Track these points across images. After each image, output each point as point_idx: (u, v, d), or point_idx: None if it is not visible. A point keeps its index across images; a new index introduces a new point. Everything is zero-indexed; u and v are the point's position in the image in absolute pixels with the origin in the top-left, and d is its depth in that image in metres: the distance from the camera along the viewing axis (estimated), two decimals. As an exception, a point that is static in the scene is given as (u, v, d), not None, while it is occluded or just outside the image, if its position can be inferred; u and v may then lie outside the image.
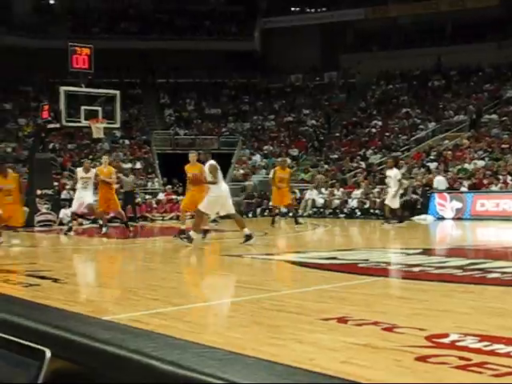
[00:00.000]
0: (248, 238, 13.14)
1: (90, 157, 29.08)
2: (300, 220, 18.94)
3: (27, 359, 0.91)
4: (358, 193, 24.00)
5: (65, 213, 20.93)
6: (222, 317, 5.94)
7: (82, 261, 12.06)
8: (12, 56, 33.89)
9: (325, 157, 30.37)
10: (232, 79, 38.58)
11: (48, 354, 0.90)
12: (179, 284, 8.12)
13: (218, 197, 12.85)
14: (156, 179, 28.23)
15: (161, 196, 25.20)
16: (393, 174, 18.39)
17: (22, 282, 8.53)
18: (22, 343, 0.93)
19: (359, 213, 23.06)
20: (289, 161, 29.68)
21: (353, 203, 23.58)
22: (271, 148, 31.65)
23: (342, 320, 5.57)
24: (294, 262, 10.08)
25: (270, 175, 20.25)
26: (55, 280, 8.99)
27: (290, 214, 20.11)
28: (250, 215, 24.62)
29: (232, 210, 13.24)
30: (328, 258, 10.52)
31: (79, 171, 15.85)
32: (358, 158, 28.44)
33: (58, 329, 1.24)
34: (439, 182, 22.51)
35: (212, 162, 13.35)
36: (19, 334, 1.05)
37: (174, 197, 25.06)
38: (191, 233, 12.99)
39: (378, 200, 22.35)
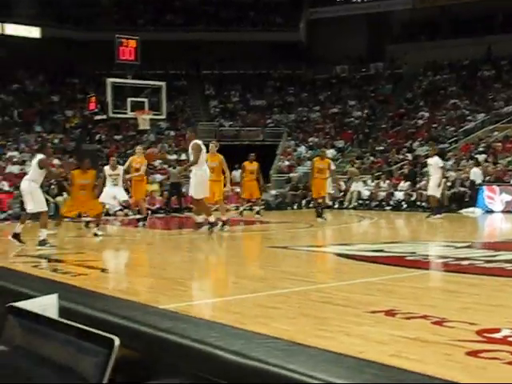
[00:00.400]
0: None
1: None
2: (324, 216, 18.15)
3: (96, 347, 0.91)
4: (404, 185, 23.74)
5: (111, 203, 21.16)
6: (269, 308, 5.92)
7: (129, 251, 12.19)
8: (59, 48, 34.41)
9: (371, 148, 30.11)
10: (277, 70, 38.46)
11: (117, 342, 0.90)
12: (225, 275, 8.14)
13: (203, 179, 12.81)
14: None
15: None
16: (433, 162, 17.97)
17: (70, 271, 8.65)
18: (92, 331, 0.93)
19: (405, 205, 22.80)
20: (333, 152, 29.56)
21: (399, 195, 23.33)
22: (316, 139, 31.49)
23: (390, 313, 5.51)
24: (340, 254, 10.02)
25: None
26: (102, 270, 9.12)
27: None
28: (295, 207, 24.55)
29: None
30: (374, 251, 10.43)
31: (106, 169, 15.75)
32: (405, 149, 28.10)
33: (120, 318, 1.25)
34: (475, 174, 22.08)
35: (197, 141, 13.25)
36: (81, 322, 1.05)
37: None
38: (198, 218, 13.02)
39: (424, 192, 22.06)
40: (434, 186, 17.99)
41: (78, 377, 0.93)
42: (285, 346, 1.01)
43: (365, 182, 24.91)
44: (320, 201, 18.57)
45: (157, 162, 27.71)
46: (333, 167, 19.82)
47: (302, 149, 30.64)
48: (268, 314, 5.67)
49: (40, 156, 11.99)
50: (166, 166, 27.55)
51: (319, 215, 17.84)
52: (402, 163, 26.58)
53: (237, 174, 26.02)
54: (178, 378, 1.10)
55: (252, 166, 19.42)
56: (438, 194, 18.21)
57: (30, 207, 11.88)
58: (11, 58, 34.46)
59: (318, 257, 10.41)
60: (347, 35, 37.21)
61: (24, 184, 11.89)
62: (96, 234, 13.62)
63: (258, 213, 19.79)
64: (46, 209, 12.04)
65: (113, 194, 16.16)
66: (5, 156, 25.27)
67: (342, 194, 24.98)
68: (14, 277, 1.88)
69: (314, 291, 6.74)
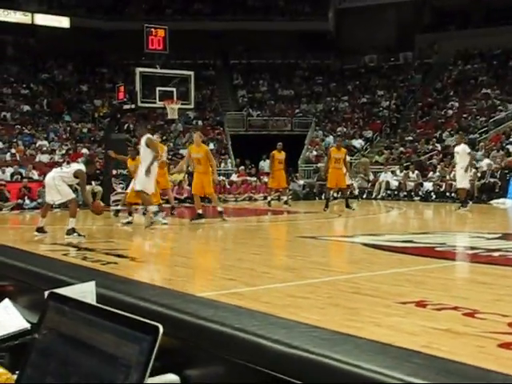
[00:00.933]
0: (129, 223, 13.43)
1: (164, 137, 29.54)
2: (353, 206, 18.02)
3: (140, 334, 0.90)
4: (433, 176, 23.53)
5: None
6: (298, 298, 5.92)
7: (158, 240, 12.26)
8: (88, 38, 34.63)
9: (399, 139, 29.89)
10: (305, 60, 38.30)
11: (161, 329, 0.89)
12: (255, 265, 8.14)
13: (151, 174, 12.69)
14: (229, 160, 28.38)
15: (234, 177, 25.35)
16: (460, 150, 17.26)
17: (100, 259, 8.72)
18: (136, 318, 0.93)
19: (434, 196, 22.61)
20: (361, 142, 29.40)
21: (428, 186, 23.13)
22: (344, 129, 31.33)
23: (421, 304, 5.48)
24: (368, 245, 9.97)
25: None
26: (132, 258, 9.18)
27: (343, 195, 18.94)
28: (323, 197, 24.46)
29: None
30: (403, 241, 10.37)
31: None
32: (434, 140, 27.84)
33: (159, 305, 1.24)
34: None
35: (148, 135, 13.17)
36: (120, 309, 1.05)
37: (247, 178, 25.17)
38: (150, 207, 12.87)
39: (454, 183, 21.85)
40: (461, 178, 17.43)
41: (121, 364, 0.92)
42: (328, 336, 0.99)
43: (393, 172, 24.74)
44: (331, 192, 18.51)
45: (185, 151, 27.78)
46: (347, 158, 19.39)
47: (330, 139, 30.50)
48: (297, 304, 5.67)
49: (81, 167, 12.02)
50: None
51: (347, 205, 17.57)
52: (432, 153, 26.34)
53: (265, 164, 26.04)
54: (217, 366, 1.09)
55: (280, 155, 19.38)
56: (466, 185, 17.71)
57: (58, 198, 11.97)
58: (41, 47, 34.80)
59: (347, 247, 10.37)
60: (376, 24, 36.90)
61: (49, 178, 11.95)
62: (128, 223, 13.67)
63: (286, 203, 19.78)
64: (74, 196, 12.10)
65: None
66: (34, 145, 25.52)
67: (370, 184, 24.85)
68: (50, 264, 1.89)
69: (343, 281, 6.73)
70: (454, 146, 18.89)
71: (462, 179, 17.46)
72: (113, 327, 0.96)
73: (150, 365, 0.88)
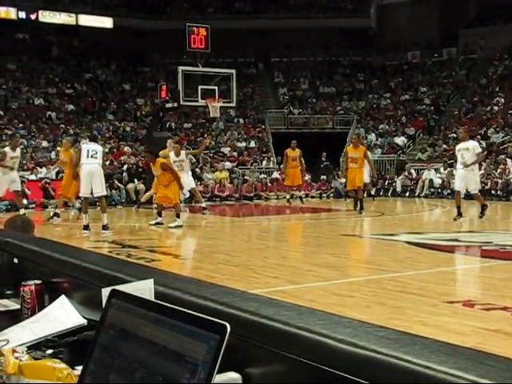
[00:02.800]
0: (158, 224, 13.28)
1: (206, 136, 29.68)
2: (363, 211, 15.85)
3: (207, 332, 0.90)
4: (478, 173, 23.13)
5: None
6: (343, 296, 5.89)
7: (200, 238, 12.32)
8: (130, 37, 34.97)
9: (443, 136, 29.50)
10: (347, 57, 38.05)
11: (229, 328, 0.89)
12: (298, 263, 8.13)
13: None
14: (271, 158, 28.37)
15: (275, 175, 25.33)
16: (471, 146, 14.14)
17: (144, 257, 8.81)
18: (202, 316, 0.93)
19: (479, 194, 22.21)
20: (404, 139, 29.07)
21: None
22: (387, 127, 31.03)
23: (468, 304, 5.41)
24: (413, 243, 9.87)
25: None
26: (176, 256, 9.26)
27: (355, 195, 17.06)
28: (365, 195, 24.27)
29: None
30: (448, 240, 10.23)
31: (171, 155, 15.63)
32: (479, 137, 27.38)
33: (219, 303, 1.24)
34: None
35: (162, 160, 13.27)
36: (181, 307, 1.05)
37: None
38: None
39: (499, 181, 21.49)
40: (472, 182, 14.18)
41: (188, 362, 0.92)
42: (395, 336, 0.98)
43: (437, 169, 24.43)
44: (355, 193, 16.77)
45: (226, 150, 27.91)
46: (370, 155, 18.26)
47: (372, 136, 30.26)
48: (342, 303, 5.64)
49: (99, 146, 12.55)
50: (235, 154, 27.72)
51: (361, 208, 15.88)
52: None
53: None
54: (280, 365, 1.09)
55: (294, 153, 19.24)
56: (477, 189, 14.62)
57: (99, 190, 12.22)
58: (84, 47, 35.29)
59: (390, 245, 10.28)
60: (419, 20, 36.47)
61: (95, 167, 12.17)
62: (157, 223, 13.56)
63: (301, 200, 19.77)
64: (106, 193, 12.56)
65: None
66: (78, 144, 25.87)
67: (413, 182, 24.59)
68: (104, 261, 1.91)
69: (388, 280, 6.67)
70: (458, 142, 15.72)
71: (474, 183, 14.34)
72: (179, 325, 0.96)
73: (218, 363, 0.88)
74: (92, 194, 12.40)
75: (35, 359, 1.45)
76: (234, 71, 20.87)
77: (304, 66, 37.42)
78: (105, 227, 12.13)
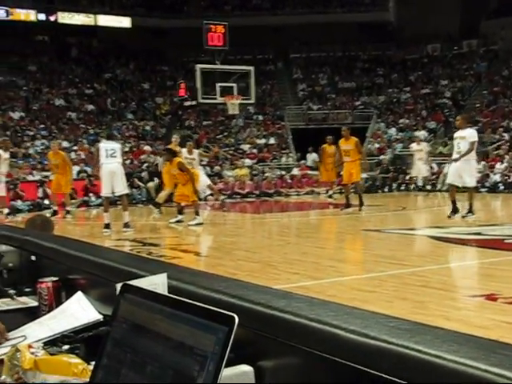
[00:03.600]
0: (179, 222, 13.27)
1: (225, 133, 29.71)
2: (363, 207, 15.18)
3: (216, 324, 0.90)
4: (501, 166, 22.93)
5: (201, 188, 21.49)
6: (364, 291, 5.86)
7: (221, 235, 12.33)
8: (148, 37, 35.08)
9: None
10: (366, 52, 37.86)
11: (237, 319, 0.88)
12: (319, 258, 8.10)
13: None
14: (290, 154, 28.34)
15: (295, 171, 25.29)
16: (467, 135, 12.78)
17: (164, 254, 8.84)
18: (211, 308, 0.92)
19: (502, 187, 22.03)
20: (425, 133, 28.85)
21: (495, 177, 22.56)
22: (407, 121, 30.83)
23: (491, 297, 5.35)
24: (435, 237, 9.80)
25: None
26: (196, 253, 9.28)
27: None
28: (386, 190, 24.17)
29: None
30: (471, 234, 10.15)
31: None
32: (501, 129, 27.12)
33: (231, 296, 1.23)
34: None
35: (179, 160, 13.33)
36: (195, 301, 1.05)
37: (308, 172, 25.08)
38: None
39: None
40: (469, 174, 12.68)
41: (197, 354, 0.92)
42: (408, 326, 0.97)
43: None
44: (352, 187, 16.20)
45: (246, 147, 27.90)
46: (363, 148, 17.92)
47: (393, 131, 30.10)
48: (364, 298, 5.62)
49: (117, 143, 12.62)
50: (255, 151, 27.71)
51: (360, 204, 15.14)
52: (499, 143, 25.69)
53: (311, 156, 25.96)
54: (292, 357, 1.08)
55: (331, 148, 19.13)
56: (473, 183, 13.01)
57: (120, 189, 12.27)
58: (103, 47, 35.47)
59: (412, 240, 10.22)
60: (438, 12, 36.14)
61: (116, 166, 12.20)
62: (178, 221, 13.54)
63: (330, 196, 19.70)
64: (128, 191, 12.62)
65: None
66: (98, 144, 26.04)
67: (434, 176, 24.40)
68: (120, 257, 1.91)
69: (409, 274, 6.63)
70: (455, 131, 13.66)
71: (469, 175, 12.73)
72: (188, 317, 0.96)
73: (227, 355, 0.88)
74: (113, 193, 12.45)
75: (52, 355, 1.46)
76: (252, 68, 20.84)
77: (323, 62, 37.30)
78: (126, 225, 12.20)
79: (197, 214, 13.11)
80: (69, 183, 16.72)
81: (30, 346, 1.41)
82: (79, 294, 1.85)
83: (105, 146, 12.60)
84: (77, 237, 10.99)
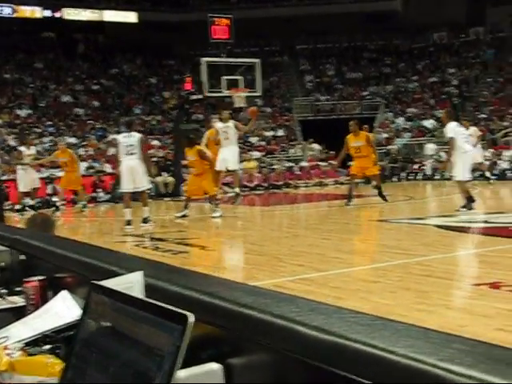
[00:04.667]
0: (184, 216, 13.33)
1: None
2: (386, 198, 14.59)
3: (171, 323, 0.89)
4: (509, 154, 22.81)
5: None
6: (369, 282, 5.85)
7: (228, 228, 12.33)
8: (155, 31, 35.07)
9: (472, 117, 29.08)
10: (372, 42, 37.70)
11: (191, 318, 0.88)
12: (325, 250, 8.09)
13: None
14: (299, 146, 28.28)
15: (304, 163, 25.26)
16: (445, 131, 12.59)
17: (171, 249, 8.85)
18: (167, 307, 0.92)
19: (511, 174, 21.91)
20: (433, 122, 28.71)
21: (504, 165, 22.45)
22: (415, 110, 30.70)
23: (495, 285, 5.33)
24: (442, 226, 9.76)
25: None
26: (203, 247, 9.28)
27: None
28: (395, 179, 24.10)
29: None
30: (478, 222, 10.11)
31: (218, 125, 15.12)
32: (509, 116, 26.97)
33: (201, 293, 1.23)
34: None
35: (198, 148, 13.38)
36: (165, 299, 1.05)
37: (317, 163, 25.04)
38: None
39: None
40: (457, 167, 12.14)
41: (155, 354, 0.92)
42: (368, 321, 0.96)
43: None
44: (374, 183, 15.88)
45: (254, 139, 27.85)
46: (373, 138, 16.99)
47: (401, 120, 29.99)
48: (368, 289, 5.61)
49: (138, 134, 12.38)
50: (263, 143, 27.68)
51: (383, 197, 14.42)
52: (507, 131, 25.53)
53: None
54: (260, 355, 1.08)
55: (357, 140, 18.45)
56: (458, 177, 12.22)
57: (142, 184, 12.11)
58: (109, 43, 35.50)
59: (419, 229, 10.18)
60: (444, 1, 35.95)
61: (135, 162, 12.00)
62: (183, 216, 13.56)
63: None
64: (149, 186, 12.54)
65: None
66: (106, 139, 26.08)
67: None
68: (104, 255, 1.91)
69: (414, 264, 6.61)
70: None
71: (457, 168, 12.18)
72: (147, 317, 0.96)
73: (182, 354, 0.87)
74: (134, 188, 12.19)
75: (32, 355, 1.46)
76: (258, 60, 20.78)
77: (329, 53, 37.17)
78: (145, 220, 12.09)
79: (216, 206, 13.14)
80: (79, 179, 17.03)
81: (5, 348, 1.41)
82: (64, 292, 1.85)
83: (123, 141, 12.24)
84: (87, 235, 11.04)
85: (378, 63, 36.32)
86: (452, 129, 12.18)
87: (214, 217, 12.92)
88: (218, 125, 14.63)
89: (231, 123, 14.48)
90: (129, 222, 11.96)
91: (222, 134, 14.09)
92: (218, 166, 13.84)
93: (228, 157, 13.95)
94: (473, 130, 18.27)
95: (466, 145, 12.28)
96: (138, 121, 29.02)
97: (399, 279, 5.90)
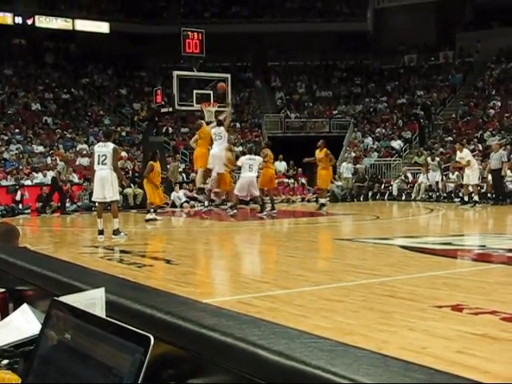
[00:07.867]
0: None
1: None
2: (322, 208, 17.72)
3: (132, 344, 0.88)
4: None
5: (176, 195, 21.42)
6: (332, 301, 5.86)
7: (195, 242, 12.29)
8: (127, 42, 35.01)
9: (439, 139, 29.48)
10: (343, 61, 38.09)
11: (152, 340, 0.87)
12: (290, 267, 8.09)
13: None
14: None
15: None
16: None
17: (135, 262, 8.79)
18: (128, 328, 0.91)
19: (476, 197, 22.19)
20: (400, 143, 29.03)
21: (469, 187, 22.71)
22: (383, 130, 31.03)
23: (457, 308, 5.38)
24: (406, 247, 9.85)
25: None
26: (167, 261, 9.22)
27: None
28: (361, 199, 24.27)
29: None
30: (442, 244, 10.21)
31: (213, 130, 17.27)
32: (475, 140, 27.39)
33: (164, 313, 1.22)
34: None
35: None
36: (126, 317, 1.04)
37: (284, 180, 25.10)
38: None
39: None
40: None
41: (115, 374, 0.90)
42: (330, 347, 0.96)
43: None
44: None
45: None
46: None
47: (369, 140, 30.27)
48: (331, 308, 5.62)
49: (112, 144, 12.28)
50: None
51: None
52: (473, 154, 25.89)
53: (280, 165, 26.06)
54: (220, 377, 1.07)
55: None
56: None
57: (111, 195, 12.07)
58: (81, 52, 35.31)
59: (384, 249, 10.25)
60: (415, 24, 36.50)
61: (106, 172, 11.95)
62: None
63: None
64: (118, 198, 12.45)
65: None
66: (75, 149, 25.86)
67: (409, 185, 24.56)
68: (65, 269, 1.89)
69: (378, 284, 6.65)
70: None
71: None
72: (108, 337, 0.95)
73: (141, 376, 0.86)
74: (105, 198, 12.18)
75: (-11, 370, 1.43)
76: (229, 75, 20.83)
77: (301, 70, 37.46)
78: (115, 232, 12.02)
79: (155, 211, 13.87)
80: None
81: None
82: (24, 306, 1.82)
83: (98, 150, 12.27)
84: (51, 245, 10.89)
85: (348, 82, 36.69)
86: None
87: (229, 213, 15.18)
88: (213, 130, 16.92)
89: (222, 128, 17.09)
90: (101, 232, 11.93)
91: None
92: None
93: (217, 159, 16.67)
94: (465, 152, 18.80)
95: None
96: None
97: (363, 299, 5.92)
